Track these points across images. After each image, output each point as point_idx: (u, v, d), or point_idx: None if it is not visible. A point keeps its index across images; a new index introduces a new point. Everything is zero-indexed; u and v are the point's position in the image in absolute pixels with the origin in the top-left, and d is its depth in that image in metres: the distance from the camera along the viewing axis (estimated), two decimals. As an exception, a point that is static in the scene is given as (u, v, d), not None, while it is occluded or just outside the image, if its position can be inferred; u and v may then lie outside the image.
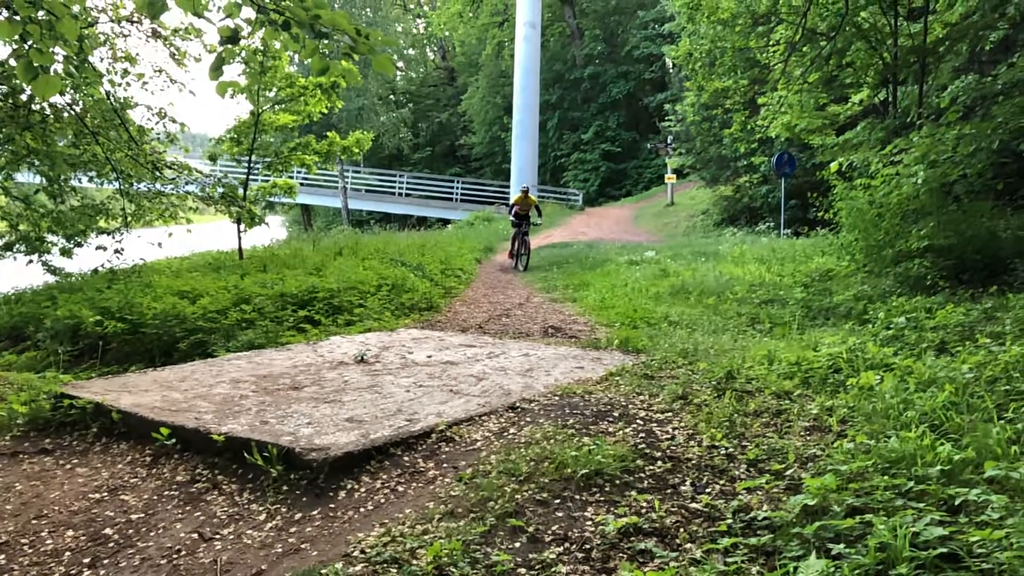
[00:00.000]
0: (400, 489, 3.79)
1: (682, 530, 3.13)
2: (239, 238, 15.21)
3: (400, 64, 50.10)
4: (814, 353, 5.64)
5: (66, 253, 13.32)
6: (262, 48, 12.79)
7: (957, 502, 2.88)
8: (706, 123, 23.58)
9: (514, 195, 20.36)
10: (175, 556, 3.33)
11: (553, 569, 2.85)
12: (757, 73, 15.96)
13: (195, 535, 3.51)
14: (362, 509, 3.61)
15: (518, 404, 5.02)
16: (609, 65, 41.69)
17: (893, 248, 8.55)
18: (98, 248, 13.37)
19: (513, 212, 17.13)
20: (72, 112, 11.94)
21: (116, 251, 13.28)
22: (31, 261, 13.15)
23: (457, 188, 38.40)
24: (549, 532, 3.16)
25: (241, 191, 14.30)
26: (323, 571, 2.93)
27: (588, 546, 3.04)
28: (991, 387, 4.24)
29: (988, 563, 2.43)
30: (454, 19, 45.31)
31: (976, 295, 7.12)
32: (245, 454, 4.08)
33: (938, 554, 2.51)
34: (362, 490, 3.82)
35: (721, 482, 3.61)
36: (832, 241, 10.65)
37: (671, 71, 36.93)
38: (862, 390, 4.56)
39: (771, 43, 13.84)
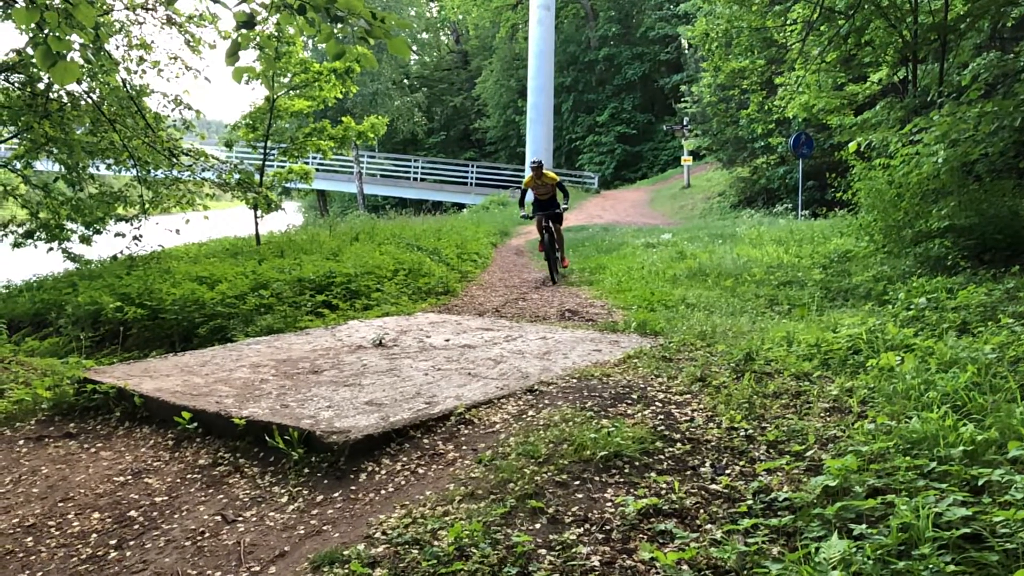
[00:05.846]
0: (420, 471, 3.81)
1: (702, 511, 3.13)
2: (256, 224, 15.33)
3: (414, 48, 49.96)
4: (833, 334, 5.60)
5: (85, 240, 13.51)
6: (277, 34, 12.80)
7: (980, 482, 2.85)
8: (722, 104, 23.39)
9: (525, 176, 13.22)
10: (199, 538, 3.37)
11: (573, 550, 2.86)
12: (774, 53, 15.79)
13: (218, 517, 3.55)
14: (383, 491, 3.63)
15: (536, 387, 5.03)
16: (624, 46, 41.34)
17: (913, 228, 8.46)
18: (117, 235, 13.56)
19: (527, 199, 12.28)
20: (89, 100, 12.03)
21: (135, 238, 13.47)
22: (51, 248, 13.35)
23: (472, 172, 38.35)
24: (569, 513, 3.17)
25: (257, 177, 14.39)
26: (345, 552, 2.95)
27: (608, 527, 3.04)
28: (1014, 367, 4.20)
29: (1012, 543, 2.41)
30: (467, 2, 45.05)
31: (998, 275, 7.03)
32: (266, 437, 4.12)
33: (961, 534, 2.49)
34: (383, 472, 3.84)
35: (741, 463, 3.60)
36: (851, 222, 10.56)
37: (686, 52, 36.57)
38: (882, 371, 4.53)
39: (788, 22, 13.67)
